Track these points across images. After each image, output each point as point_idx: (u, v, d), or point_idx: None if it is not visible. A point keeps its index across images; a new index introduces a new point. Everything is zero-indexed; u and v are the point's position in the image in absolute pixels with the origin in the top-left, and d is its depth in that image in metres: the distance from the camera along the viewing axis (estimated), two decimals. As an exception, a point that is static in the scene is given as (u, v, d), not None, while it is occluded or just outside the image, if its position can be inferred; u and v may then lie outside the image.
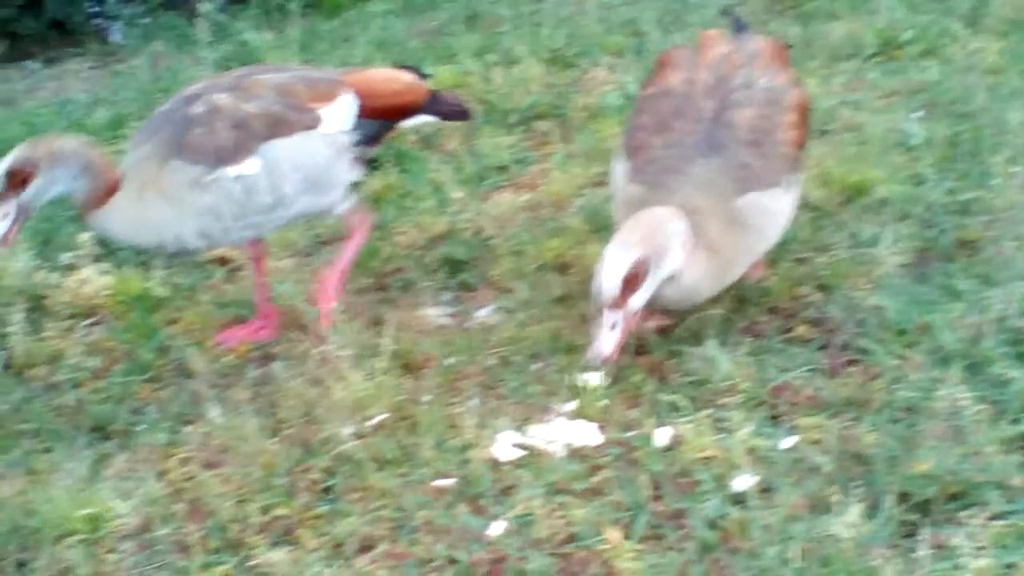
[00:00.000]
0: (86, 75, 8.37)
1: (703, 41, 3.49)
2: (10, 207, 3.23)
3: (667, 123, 3.19)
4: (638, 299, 2.89)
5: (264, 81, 3.38)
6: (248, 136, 3.28)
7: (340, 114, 3.42)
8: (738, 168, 3.08)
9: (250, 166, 3.29)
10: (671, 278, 2.95)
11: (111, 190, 3.27)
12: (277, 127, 3.31)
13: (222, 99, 3.30)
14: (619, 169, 3.28)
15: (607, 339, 2.86)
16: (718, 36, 3.52)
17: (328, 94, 3.41)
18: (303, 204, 3.41)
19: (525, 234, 4.02)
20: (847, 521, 2.23)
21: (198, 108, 3.29)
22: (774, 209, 3.16)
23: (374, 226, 4.28)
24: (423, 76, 3.70)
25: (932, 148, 4.27)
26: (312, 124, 3.36)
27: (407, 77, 3.63)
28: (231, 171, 3.26)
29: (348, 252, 3.58)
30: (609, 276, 2.83)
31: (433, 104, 3.64)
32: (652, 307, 3.07)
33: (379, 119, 3.52)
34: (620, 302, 2.85)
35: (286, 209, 3.38)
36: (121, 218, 3.30)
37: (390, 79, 3.61)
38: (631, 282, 2.84)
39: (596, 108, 5.28)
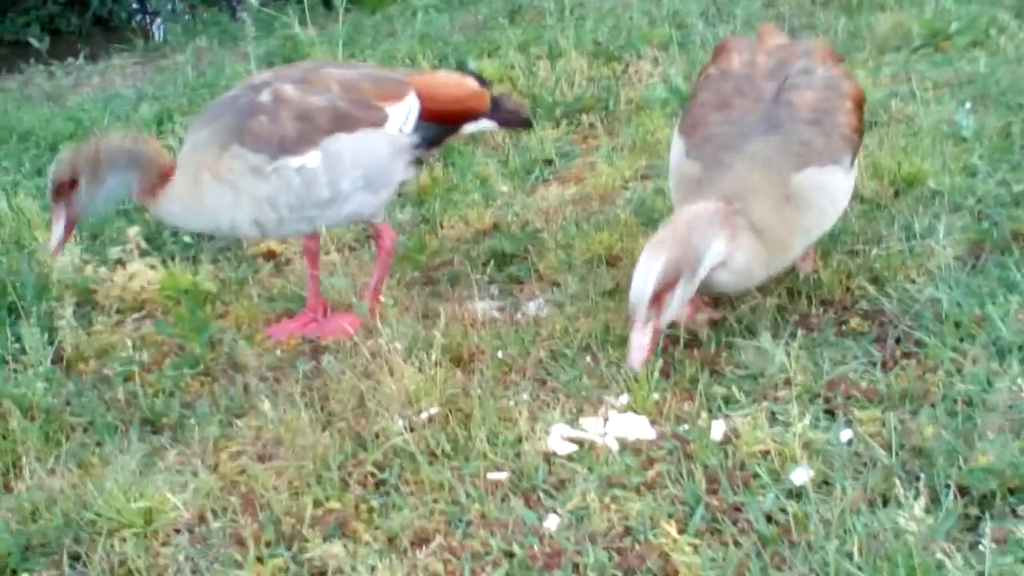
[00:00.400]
0: (130, 71, 8.44)
1: (761, 31, 3.51)
2: (60, 216, 3.28)
3: (727, 101, 3.19)
4: (675, 302, 2.86)
5: (332, 75, 3.39)
6: (312, 128, 3.28)
7: (403, 115, 3.42)
8: (798, 144, 3.06)
9: (312, 158, 3.29)
10: (721, 265, 2.92)
11: (165, 177, 3.29)
12: (342, 122, 3.31)
13: (289, 90, 3.31)
14: (675, 148, 3.27)
15: (639, 348, 2.83)
16: (775, 29, 3.55)
17: (394, 94, 3.42)
18: (356, 202, 3.41)
19: (573, 227, 4.01)
20: (911, 515, 2.19)
21: (264, 96, 3.30)
22: (831, 186, 3.13)
23: (419, 221, 4.30)
24: (485, 83, 3.69)
25: (983, 140, 4.23)
26: (378, 122, 3.37)
27: (470, 83, 3.62)
28: (293, 162, 3.27)
29: (382, 266, 3.61)
30: (640, 283, 2.81)
31: (494, 110, 3.64)
32: (708, 293, 3.07)
33: (440, 123, 3.51)
34: (654, 307, 2.82)
35: (340, 206, 3.39)
36: (177, 202, 3.33)
37: (454, 84, 3.60)
38: (663, 289, 2.81)
39: (641, 101, 5.26)
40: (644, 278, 2.80)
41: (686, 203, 2.99)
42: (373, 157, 3.38)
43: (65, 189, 3.28)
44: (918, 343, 2.99)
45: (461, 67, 5.91)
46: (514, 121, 3.76)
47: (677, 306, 2.87)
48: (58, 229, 3.32)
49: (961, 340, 2.94)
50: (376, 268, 3.62)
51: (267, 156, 3.25)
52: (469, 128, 3.64)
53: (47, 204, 4.82)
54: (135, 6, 10.47)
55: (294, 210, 3.33)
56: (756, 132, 3.07)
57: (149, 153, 3.31)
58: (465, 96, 3.57)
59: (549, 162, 4.83)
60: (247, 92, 3.37)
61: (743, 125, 3.09)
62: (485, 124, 3.67)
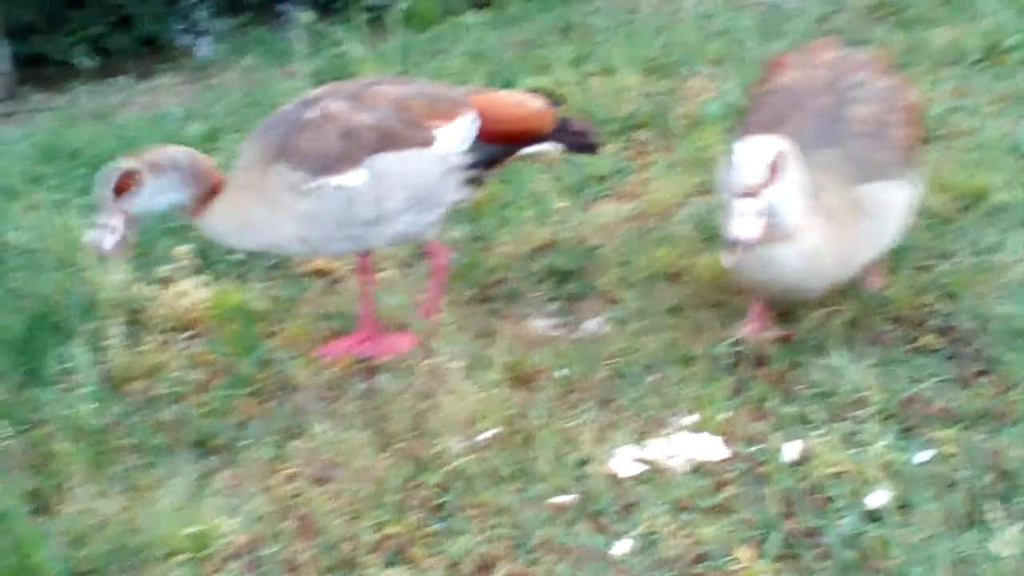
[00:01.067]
0: (178, 89, 8.47)
1: (815, 46, 3.46)
2: (116, 220, 3.22)
3: (784, 116, 3.13)
4: (779, 189, 2.77)
5: (384, 92, 3.33)
6: (356, 147, 3.23)
7: (457, 134, 3.34)
8: (858, 159, 3.01)
9: (354, 177, 3.24)
10: (790, 241, 2.84)
11: (214, 193, 3.26)
12: (388, 141, 3.25)
13: (337, 106, 3.26)
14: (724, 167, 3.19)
15: (746, 223, 2.71)
16: (830, 42, 3.49)
17: (448, 113, 3.35)
18: (405, 222, 3.34)
19: (631, 243, 3.94)
20: (1004, 540, 2.09)
21: (311, 113, 3.26)
22: (895, 201, 3.09)
23: (473, 238, 4.25)
24: (556, 103, 3.61)
25: (1049, 153, 4.12)
26: (426, 142, 3.30)
27: (536, 103, 3.54)
28: (334, 181, 3.22)
29: (438, 284, 3.55)
30: (751, 160, 2.74)
31: (559, 132, 3.55)
32: (770, 290, 3.02)
33: (500, 143, 3.43)
34: (760, 189, 2.74)
35: (387, 225, 3.32)
36: (223, 220, 3.30)
37: (517, 103, 3.53)
38: (773, 168, 2.75)
39: (697, 116, 5.19)
40: (754, 154, 2.76)
41: None
42: (420, 178, 3.31)
43: (127, 184, 3.21)
44: (993, 360, 2.90)
45: (509, 84, 5.88)
46: (579, 145, 3.65)
47: (778, 197, 2.78)
48: (116, 226, 3.24)
49: (1038, 357, 2.85)
50: (431, 286, 3.56)
51: (307, 174, 3.21)
52: (530, 150, 3.54)
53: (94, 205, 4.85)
54: (182, 26, 10.55)
55: (339, 228, 3.28)
56: (816, 146, 3.00)
57: (203, 170, 3.29)
58: (527, 116, 3.48)
59: (603, 178, 4.77)
60: (298, 108, 3.34)
61: (802, 140, 2.99)
62: (547, 147, 3.57)
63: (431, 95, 3.40)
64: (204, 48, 9.83)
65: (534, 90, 3.69)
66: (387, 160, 3.26)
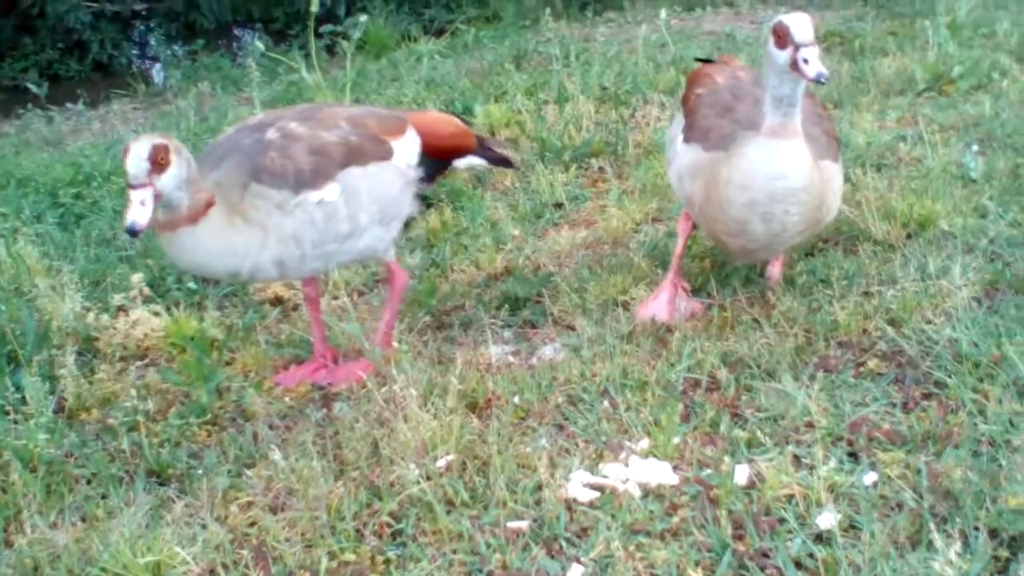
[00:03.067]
0: (131, 116, 8.44)
1: (724, 58, 4.07)
2: (147, 193, 3.01)
3: (730, 106, 3.45)
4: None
5: (336, 112, 3.39)
6: (327, 162, 3.26)
7: (410, 148, 3.45)
8: (808, 138, 3.23)
9: (331, 192, 3.26)
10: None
11: (207, 208, 3.16)
12: (354, 156, 3.31)
13: (296, 127, 3.29)
14: (687, 156, 3.49)
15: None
16: (733, 58, 4.09)
17: (397, 129, 3.44)
18: (371, 236, 3.40)
19: (586, 271, 3.98)
20: (946, 559, 2.13)
21: (271, 134, 3.27)
22: (836, 180, 3.41)
23: (429, 265, 4.26)
24: (468, 123, 3.78)
25: (992, 181, 4.22)
26: (386, 155, 3.38)
27: (458, 121, 3.71)
28: (313, 196, 3.24)
29: (393, 308, 3.59)
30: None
31: (481, 148, 3.71)
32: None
33: (436, 158, 3.54)
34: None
35: (356, 239, 3.36)
36: (205, 242, 3.17)
37: (445, 121, 3.67)
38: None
39: (650, 145, 5.26)
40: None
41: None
42: (386, 190, 3.38)
43: (161, 160, 3.01)
44: (938, 384, 2.96)
45: (466, 111, 5.93)
46: (500, 159, 3.82)
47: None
48: (147, 206, 2.99)
49: (981, 380, 2.91)
50: (386, 310, 3.59)
51: (289, 191, 3.22)
52: (460, 164, 3.69)
53: (47, 251, 4.81)
54: (135, 52, 10.51)
55: (316, 246, 3.29)
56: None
57: (200, 180, 3.18)
58: (456, 132, 3.63)
59: (559, 206, 4.82)
60: (248, 133, 3.33)
61: (752, 122, 3.27)
62: (475, 160, 3.72)
63: (377, 114, 3.50)
64: (157, 74, 9.79)
65: (446, 111, 3.79)
66: (356, 174, 3.31)
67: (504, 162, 3.85)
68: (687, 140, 3.53)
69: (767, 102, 3.14)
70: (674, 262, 3.67)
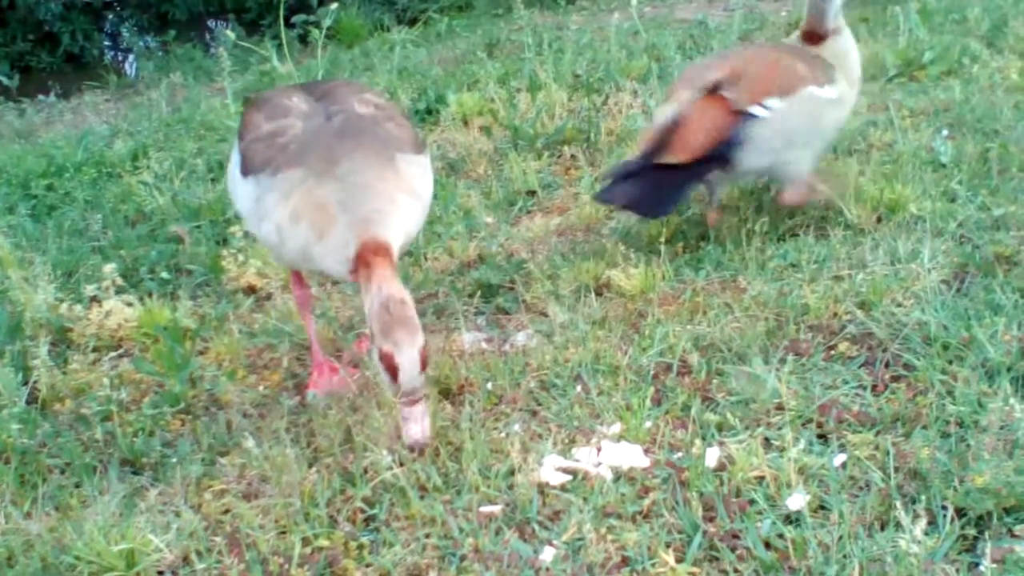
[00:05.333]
0: (103, 107, 8.40)
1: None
2: (424, 405, 2.83)
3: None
4: None
5: (340, 90, 3.26)
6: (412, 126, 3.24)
7: None
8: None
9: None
10: None
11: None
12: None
13: (360, 104, 3.15)
14: None
15: None
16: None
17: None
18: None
19: (559, 257, 3.99)
20: (912, 537, 2.16)
21: (365, 109, 3.12)
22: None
23: (402, 254, 4.26)
24: None
25: (962, 165, 4.25)
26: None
27: None
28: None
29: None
30: None
31: None
32: None
33: None
34: None
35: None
36: None
37: None
38: None
39: (622, 132, 5.27)
40: None
41: None
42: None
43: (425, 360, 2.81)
44: (907, 366, 2.98)
45: (439, 99, 5.92)
46: None
47: None
48: (426, 412, 2.82)
49: (950, 362, 2.94)
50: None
51: (421, 155, 3.16)
52: None
53: (19, 242, 4.79)
54: (107, 43, 10.45)
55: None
56: None
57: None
58: None
59: (532, 193, 4.83)
60: (326, 117, 3.08)
61: None
62: None
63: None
64: (129, 66, 9.75)
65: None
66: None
67: None
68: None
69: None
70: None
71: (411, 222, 3.00)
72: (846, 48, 3.96)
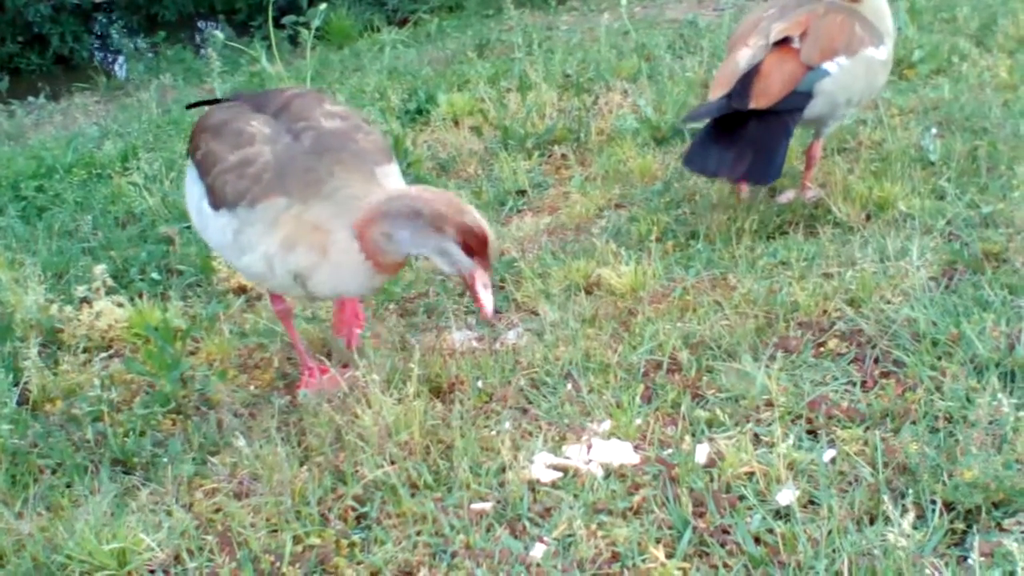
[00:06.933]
0: (92, 109, 8.39)
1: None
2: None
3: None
4: None
5: (297, 102, 3.21)
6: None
7: None
8: None
9: None
10: None
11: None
12: None
13: (325, 118, 3.12)
14: None
15: None
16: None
17: None
18: None
19: (549, 256, 4.00)
20: (900, 531, 2.17)
21: (332, 123, 3.09)
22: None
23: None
24: None
25: (950, 163, 4.26)
26: None
27: None
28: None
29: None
30: None
31: None
32: None
33: None
34: None
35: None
36: None
37: None
38: None
39: (612, 131, 5.28)
40: None
41: None
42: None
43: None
44: (896, 362, 2.99)
45: (429, 99, 5.91)
46: None
47: None
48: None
49: (939, 358, 2.95)
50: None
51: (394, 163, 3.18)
52: None
53: (9, 244, 4.79)
54: (96, 45, 10.43)
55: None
56: None
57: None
58: None
59: (522, 193, 4.84)
60: (292, 135, 3.04)
61: None
62: None
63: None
64: (119, 67, 9.74)
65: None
66: None
67: None
68: None
69: None
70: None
71: None
72: (882, 5, 4.17)
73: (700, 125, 4.41)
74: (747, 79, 3.82)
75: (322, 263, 2.89)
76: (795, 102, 3.84)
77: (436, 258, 2.89)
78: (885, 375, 2.96)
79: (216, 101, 3.51)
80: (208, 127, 3.17)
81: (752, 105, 3.77)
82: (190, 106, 3.97)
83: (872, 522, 2.39)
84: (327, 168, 2.93)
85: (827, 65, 3.86)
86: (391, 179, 3.05)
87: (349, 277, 2.93)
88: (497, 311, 2.87)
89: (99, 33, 11.63)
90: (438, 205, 2.81)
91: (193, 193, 3.21)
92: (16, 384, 3.50)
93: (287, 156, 2.96)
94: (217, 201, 3.02)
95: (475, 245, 2.82)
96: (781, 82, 3.81)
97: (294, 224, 2.88)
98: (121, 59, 10.37)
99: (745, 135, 3.81)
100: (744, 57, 3.90)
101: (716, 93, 3.89)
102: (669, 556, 2.37)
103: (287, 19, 8.48)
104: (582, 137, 5.28)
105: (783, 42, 3.88)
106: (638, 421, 2.86)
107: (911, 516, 2.21)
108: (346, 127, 3.09)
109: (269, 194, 2.91)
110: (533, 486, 2.66)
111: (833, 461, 2.61)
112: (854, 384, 2.93)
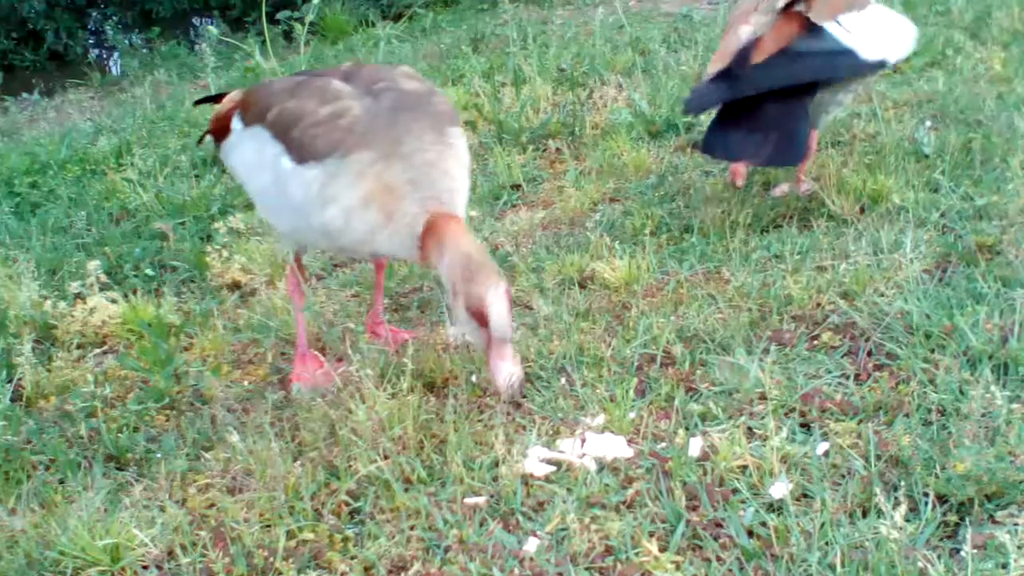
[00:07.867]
0: (87, 105, 8.38)
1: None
2: None
3: None
4: None
5: (367, 70, 3.27)
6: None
7: None
8: None
9: None
10: None
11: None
12: None
13: (403, 79, 3.19)
14: None
15: None
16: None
17: None
18: None
19: (543, 250, 4.00)
20: (892, 524, 2.17)
21: (411, 84, 3.16)
22: None
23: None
24: None
25: (944, 156, 4.26)
26: None
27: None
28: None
29: (381, 288, 3.62)
30: None
31: None
32: None
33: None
34: None
35: None
36: None
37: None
38: None
39: (607, 125, 5.28)
40: None
41: None
42: None
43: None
44: (890, 355, 2.99)
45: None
46: None
47: None
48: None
49: (932, 351, 2.95)
50: (377, 297, 3.62)
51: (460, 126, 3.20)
52: None
53: (2, 240, 4.78)
54: (91, 41, 10.42)
55: None
56: None
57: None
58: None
59: (517, 187, 4.84)
60: (373, 94, 3.07)
61: None
62: None
63: None
64: (114, 63, 9.73)
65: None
66: None
67: None
68: None
69: None
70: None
71: (467, 194, 3.09)
72: None
73: (698, 120, 4.42)
74: (746, 51, 3.77)
75: (385, 227, 2.93)
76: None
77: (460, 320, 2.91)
78: (878, 368, 2.96)
79: (223, 96, 3.52)
80: (278, 90, 3.18)
81: (754, 61, 3.73)
82: (197, 102, 3.98)
83: (865, 515, 2.39)
84: (405, 126, 2.97)
85: (830, 25, 3.83)
86: (460, 140, 3.09)
87: (399, 246, 2.98)
88: (520, 386, 2.82)
89: (93, 29, 11.62)
90: (456, 269, 2.82)
91: (265, 154, 3.15)
92: (9, 380, 3.50)
93: (371, 113, 3.00)
94: (305, 154, 3.00)
95: (478, 319, 2.80)
96: (788, 38, 3.78)
97: (374, 181, 2.92)
98: (115, 55, 10.36)
99: (764, 117, 3.74)
100: (745, 32, 3.85)
101: (715, 67, 3.84)
102: (662, 549, 2.36)
103: (281, 14, 8.46)
104: (577, 131, 5.28)
105: (789, 6, 3.84)
106: (632, 415, 2.86)
107: (904, 508, 2.22)
108: (423, 89, 3.15)
109: (360, 147, 2.94)
110: (526, 480, 2.66)
111: (826, 454, 2.61)
112: (847, 377, 2.93)
